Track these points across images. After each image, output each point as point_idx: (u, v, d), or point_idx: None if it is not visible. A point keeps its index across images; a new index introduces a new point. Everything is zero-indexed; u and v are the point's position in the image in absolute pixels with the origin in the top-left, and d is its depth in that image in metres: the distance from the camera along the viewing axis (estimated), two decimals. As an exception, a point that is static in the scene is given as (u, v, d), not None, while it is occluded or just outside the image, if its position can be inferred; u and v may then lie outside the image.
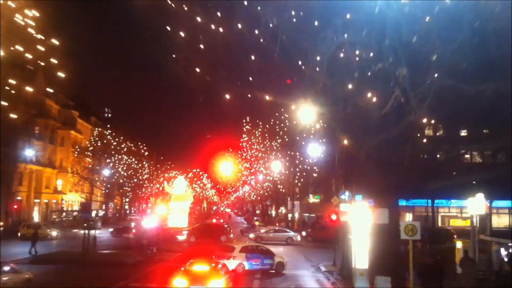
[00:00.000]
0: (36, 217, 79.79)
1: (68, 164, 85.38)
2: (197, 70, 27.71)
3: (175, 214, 67.94)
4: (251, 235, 53.36)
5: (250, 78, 28.85)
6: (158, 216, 68.38)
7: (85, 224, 38.61)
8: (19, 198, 73.83)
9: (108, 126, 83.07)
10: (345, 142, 30.67)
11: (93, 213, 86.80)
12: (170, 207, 69.28)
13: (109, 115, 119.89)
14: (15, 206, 67.28)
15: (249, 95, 35.11)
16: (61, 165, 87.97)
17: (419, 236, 20.21)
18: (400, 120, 22.99)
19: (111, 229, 61.31)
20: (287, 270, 32.67)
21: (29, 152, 75.73)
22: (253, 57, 26.00)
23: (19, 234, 53.28)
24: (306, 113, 33.12)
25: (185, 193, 70.06)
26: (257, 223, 77.61)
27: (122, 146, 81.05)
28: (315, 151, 54.69)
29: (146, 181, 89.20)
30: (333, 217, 36.37)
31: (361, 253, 26.05)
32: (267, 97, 33.47)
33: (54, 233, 56.41)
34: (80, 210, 53.44)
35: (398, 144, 24.30)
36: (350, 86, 24.74)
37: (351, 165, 32.60)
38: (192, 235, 50.78)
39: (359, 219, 26.28)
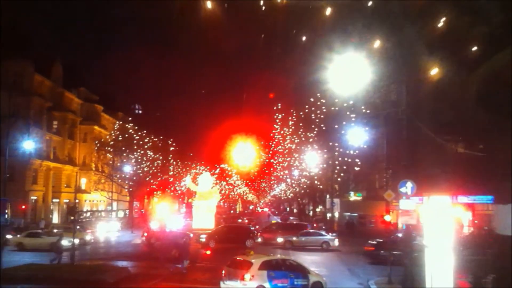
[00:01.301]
0: (55, 218, 71.54)
1: (92, 161, 76.90)
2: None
3: (200, 213, 58.64)
4: (279, 239, 43.07)
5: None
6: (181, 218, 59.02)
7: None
8: (33, 197, 65.56)
9: (130, 119, 73.89)
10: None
11: (116, 214, 78.93)
12: (194, 206, 60.09)
13: (139, 111, 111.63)
14: (23, 207, 58.69)
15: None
16: (84, 162, 79.70)
17: None
18: None
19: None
20: (326, 292, 22.47)
21: (44, 147, 67.62)
22: None
23: None
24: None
25: (211, 191, 60.54)
26: (273, 221, 67.04)
27: (146, 140, 71.68)
28: (357, 137, 44.04)
29: (171, 179, 79.52)
30: (387, 218, 25.97)
31: (444, 274, 15.89)
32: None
33: (87, 237, 46.92)
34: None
35: None
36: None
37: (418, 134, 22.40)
38: (211, 240, 40.90)
39: (441, 222, 16.08)
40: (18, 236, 42.51)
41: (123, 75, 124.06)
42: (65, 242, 38.15)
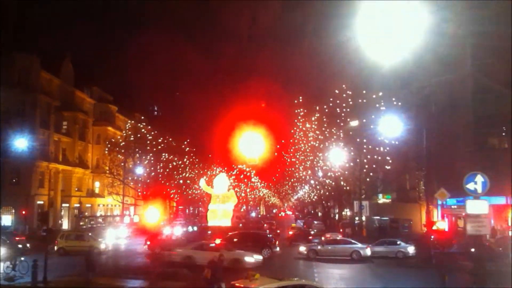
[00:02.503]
0: (65, 223, 65.95)
1: (105, 163, 71.20)
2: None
3: (215, 218, 52.47)
4: (302, 248, 36.35)
5: None
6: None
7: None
8: (40, 202, 60.06)
9: (143, 117, 68.01)
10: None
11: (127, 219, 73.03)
12: (209, 210, 53.93)
13: (158, 112, 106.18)
14: (24, 212, 53.22)
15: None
16: (97, 164, 74.18)
17: None
18: None
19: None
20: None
21: (52, 149, 62.38)
22: None
23: (55, 247, 37.44)
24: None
25: (228, 193, 54.28)
26: (293, 225, 59.92)
27: (159, 141, 65.65)
28: (390, 130, 37.03)
29: (188, 181, 73.20)
30: (441, 225, 19.14)
31: None
32: None
33: (102, 245, 39.29)
34: None
35: None
36: None
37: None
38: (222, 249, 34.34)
39: None
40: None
41: (141, 75, 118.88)
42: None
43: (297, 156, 61.13)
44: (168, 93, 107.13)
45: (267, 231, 45.28)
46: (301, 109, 54.06)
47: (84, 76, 70.77)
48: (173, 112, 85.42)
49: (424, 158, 33.12)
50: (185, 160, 70.62)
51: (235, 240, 35.96)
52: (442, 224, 19.04)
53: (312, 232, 52.87)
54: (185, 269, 27.12)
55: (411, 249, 35.06)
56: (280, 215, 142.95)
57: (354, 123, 47.41)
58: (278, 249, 35.77)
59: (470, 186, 15.19)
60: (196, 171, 75.77)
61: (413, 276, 27.42)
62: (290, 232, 51.17)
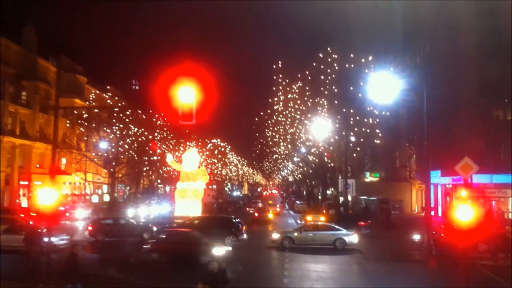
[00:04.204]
0: (25, 203, 58.68)
1: (71, 138, 63.61)
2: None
3: (184, 198, 45.70)
4: (275, 236, 29.36)
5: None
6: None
7: None
8: (-7, 179, 52.90)
9: (108, 87, 60.62)
10: None
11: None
12: (177, 189, 47.19)
13: (137, 87, 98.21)
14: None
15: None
16: (63, 139, 66.50)
17: None
18: None
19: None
20: None
21: (8, 121, 55.17)
22: None
23: None
24: None
25: (198, 171, 47.45)
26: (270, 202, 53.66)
27: (127, 113, 58.42)
28: (384, 95, 29.88)
29: (159, 157, 66.02)
30: (465, 212, 12.29)
31: None
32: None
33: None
34: None
35: None
36: None
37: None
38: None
39: None
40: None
41: (119, 47, 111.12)
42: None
43: (277, 130, 54.19)
44: (146, 66, 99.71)
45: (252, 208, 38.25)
46: (281, 76, 46.76)
47: (52, 45, 63.20)
48: (149, 85, 77.47)
49: (425, 125, 26.14)
50: (156, 134, 63.46)
51: (195, 225, 29.06)
52: (466, 211, 11.86)
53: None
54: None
55: (354, 238, 28.04)
56: (264, 194, 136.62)
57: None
58: (245, 236, 28.92)
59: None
60: (171, 147, 68.67)
61: (414, 274, 20.82)
62: (256, 214, 45.03)
